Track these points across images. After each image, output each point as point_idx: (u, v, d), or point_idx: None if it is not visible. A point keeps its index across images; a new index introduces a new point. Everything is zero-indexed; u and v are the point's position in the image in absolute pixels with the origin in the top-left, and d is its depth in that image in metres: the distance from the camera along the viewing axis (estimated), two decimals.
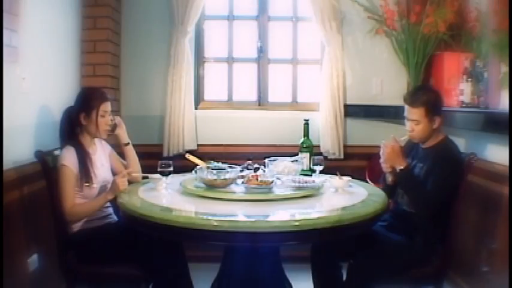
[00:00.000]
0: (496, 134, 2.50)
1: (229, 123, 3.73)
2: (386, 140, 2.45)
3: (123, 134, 2.68)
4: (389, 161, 2.41)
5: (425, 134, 2.41)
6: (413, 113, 2.38)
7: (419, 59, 3.42)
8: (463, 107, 2.97)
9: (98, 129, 2.50)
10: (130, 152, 2.69)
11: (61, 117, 2.54)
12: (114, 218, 2.56)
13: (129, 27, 3.69)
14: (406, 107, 2.43)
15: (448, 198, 2.32)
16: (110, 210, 2.57)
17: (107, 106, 2.53)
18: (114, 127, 2.62)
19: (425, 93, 2.42)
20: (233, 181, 2.32)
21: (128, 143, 2.68)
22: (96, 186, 2.46)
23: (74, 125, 2.51)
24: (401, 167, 2.38)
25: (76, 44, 3.36)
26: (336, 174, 2.56)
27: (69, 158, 2.40)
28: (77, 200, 2.41)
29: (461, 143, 2.80)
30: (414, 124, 2.39)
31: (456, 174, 2.33)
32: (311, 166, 2.73)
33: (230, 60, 3.88)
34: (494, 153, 2.64)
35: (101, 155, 2.61)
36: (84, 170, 2.43)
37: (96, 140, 2.60)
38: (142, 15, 3.68)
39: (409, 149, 2.56)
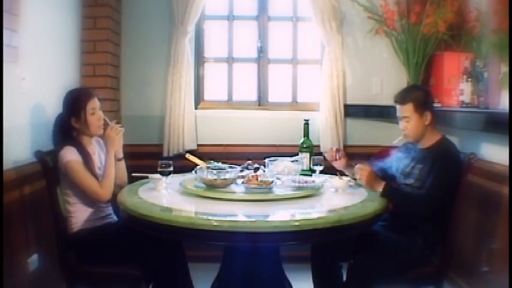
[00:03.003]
0: (496, 134, 2.50)
1: (229, 123, 3.72)
2: (361, 165, 2.46)
3: (119, 148, 2.59)
4: (368, 184, 2.40)
5: (418, 131, 2.42)
6: (403, 110, 2.42)
7: (419, 59, 3.42)
8: (463, 107, 2.97)
9: (90, 128, 2.49)
10: (122, 167, 2.61)
11: (53, 126, 2.53)
12: (114, 218, 2.56)
13: (129, 27, 3.69)
14: (397, 106, 2.46)
15: (446, 197, 2.32)
16: (110, 210, 2.57)
17: (94, 103, 2.50)
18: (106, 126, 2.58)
19: (414, 91, 2.50)
20: (233, 181, 2.32)
21: (122, 158, 2.61)
22: None
23: (68, 130, 2.49)
24: (380, 190, 2.35)
25: (76, 44, 3.36)
26: (336, 174, 2.57)
27: (72, 155, 2.39)
28: (78, 199, 2.42)
29: (460, 143, 2.80)
30: (405, 121, 2.42)
31: (454, 174, 2.33)
32: (311, 166, 2.73)
33: (230, 60, 3.88)
34: (494, 153, 2.64)
35: (100, 155, 2.60)
36: (88, 170, 2.43)
37: (94, 139, 2.60)
38: (143, 15, 3.68)
39: (407, 151, 2.57)
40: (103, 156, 2.61)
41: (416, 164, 2.45)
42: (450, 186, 2.32)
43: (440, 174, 2.31)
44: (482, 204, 2.72)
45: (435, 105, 2.66)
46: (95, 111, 2.50)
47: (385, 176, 2.60)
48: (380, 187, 2.35)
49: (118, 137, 2.53)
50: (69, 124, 2.48)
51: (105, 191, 2.41)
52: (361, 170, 2.42)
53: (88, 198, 2.42)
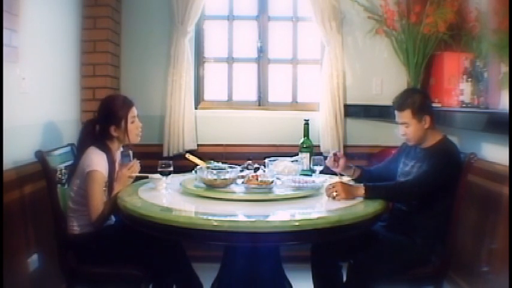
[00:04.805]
0: (496, 134, 2.50)
1: (229, 123, 3.72)
2: (330, 182, 2.35)
3: (119, 187, 2.44)
4: (349, 194, 2.26)
5: (418, 135, 2.42)
6: (401, 117, 2.41)
7: (419, 59, 3.42)
8: (463, 107, 2.97)
9: (130, 136, 2.50)
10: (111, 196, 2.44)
11: (82, 130, 2.53)
12: (113, 219, 2.55)
13: (129, 27, 3.69)
14: (395, 112, 2.45)
15: (436, 190, 2.31)
16: None
17: (133, 111, 2.53)
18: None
19: (410, 96, 2.44)
20: (233, 181, 2.32)
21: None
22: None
23: (100, 137, 2.47)
24: (363, 193, 2.27)
25: (76, 44, 3.36)
26: (336, 174, 2.57)
27: (101, 164, 2.37)
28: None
29: (461, 143, 2.80)
30: (405, 127, 2.42)
31: (449, 171, 2.31)
32: (311, 166, 2.73)
33: (230, 60, 3.88)
34: (494, 153, 2.64)
35: (118, 164, 2.59)
36: (110, 180, 2.41)
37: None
38: (142, 15, 3.68)
39: (407, 150, 2.57)
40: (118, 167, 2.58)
41: (416, 163, 2.46)
42: (440, 181, 2.30)
43: (433, 166, 2.30)
44: (482, 204, 2.72)
45: (435, 105, 2.64)
46: (134, 119, 2.52)
47: (385, 176, 2.60)
48: (361, 191, 2.28)
49: (130, 179, 2.49)
50: (107, 132, 2.47)
51: (102, 217, 2.36)
52: (332, 188, 2.26)
53: (85, 208, 2.38)
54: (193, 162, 2.65)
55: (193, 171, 2.49)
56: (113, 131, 2.48)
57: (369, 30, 3.59)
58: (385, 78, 3.68)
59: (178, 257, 2.46)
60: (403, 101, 2.42)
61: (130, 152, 2.58)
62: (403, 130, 2.44)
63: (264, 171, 2.53)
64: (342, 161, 2.59)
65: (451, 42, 3.29)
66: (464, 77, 2.99)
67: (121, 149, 2.63)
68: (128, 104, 2.53)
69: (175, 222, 1.94)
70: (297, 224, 1.93)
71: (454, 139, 2.50)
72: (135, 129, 2.53)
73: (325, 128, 3.59)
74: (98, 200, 2.35)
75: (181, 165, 2.68)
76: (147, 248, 2.31)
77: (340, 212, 2.07)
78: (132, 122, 2.52)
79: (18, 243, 2.42)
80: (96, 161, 2.37)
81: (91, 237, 2.37)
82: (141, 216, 2.03)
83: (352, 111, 3.67)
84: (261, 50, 3.83)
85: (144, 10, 3.68)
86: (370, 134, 3.68)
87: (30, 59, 2.57)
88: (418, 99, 2.41)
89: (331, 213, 2.07)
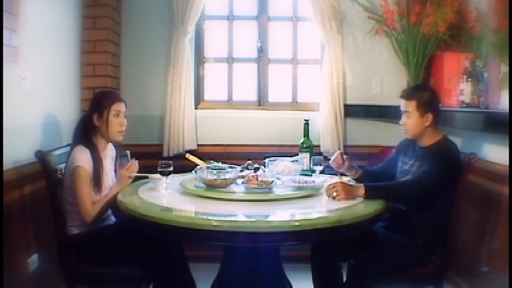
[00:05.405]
0: (496, 134, 2.50)
1: (229, 123, 3.73)
2: (330, 182, 2.36)
3: (119, 187, 2.44)
4: (349, 194, 2.27)
5: (417, 129, 2.42)
6: (406, 105, 2.43)
7: (419, 59, 3.42)
8: (463, 107, 2.97)
9: (110, 130, 2.47)
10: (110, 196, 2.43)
11: (77, 123, 2.54)
12: (113, 219, 2.56)
13: (129, 27, 3.69)
14: (402, 100, 2.47)
15: (435, 191, 2.30)
16: (109, 212, 2.55)
17: (119, 106, 2.51)
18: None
19: (421, 90, 2.50)
20: (233, 181, 2.32)
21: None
22: (102, 194, 2.44)
23: (89, 129, 2.48)
24: (363, 193, 2.28)
25: (76, 44, 3.36)
26: (336, 174, 2.57)
27: (83, 160, 2.37)
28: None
29: (460, 143, 2.80)
30: (406, 116, 2.43)
31: (449, 171, 2.31)
32: (311, 166, 2.73)
33: (230, 60, 3.88)
34: (494, 153, 2.64)
35: (110, 161, 2.59)
36: (95, 176, 2.41)
37: (109, 144, 2.58)
38: (142, 15, 3.68)
39: (405, 148, 2.58)
40: (111, 164, 2.59)
41: (415, 162, 2.46)
42: (440, 181, 2.30)
43: (433, 166, 2.30)
44: (482, 204, 2.72)
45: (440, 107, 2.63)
46: (119, 113, 2.50)
47: (386, 175, 2.60)
48: (361, 191, 2.28)
49: (129, 179, 2.48)
50: (91, 120, 2.47)
51: (93, 214, 2.36)
52: (332, 188, 2.26)
53: (77, 208, 2.38)
54: (193, 162, 2.65)
55: (193, 171, 2.49)
56: (95, 119, 2.47)
57: (369, 30, 3.59)
58: (385, 78, 3.68)
59: (177, 257, 2.46)
60: (413, 92, 2.47)
61: (128, 152, 2.57)
62: (403, 120, 2.45)
63: (264, 171, 2.53)
64: (346, 163, 2.58)
65: (451, 42, 3.29)
66: (464, 77, 2.99)
67: (113, 149, 2.63)
68: (115, 98, 2.53)
69: (175, 222, 1.94)
70: (297, 224, 1.93)
71: (454, 139, 2.50)
72: (118, 125, 2.50)
73: (325, 128, 3.59)
74: (85, 196, 2.34)
75: (181, 165, 2.68)
76: (147, 248, 2.31)
77: (340, 212, 2.07)
78: (116, 115, 2.49)
79: (18, 243, 2.42)
80: (79, 157, 2.37)
81: (91, 237, 2.37)
82: (141, 216, 2.03)
83: (352, 111, 3.67)
84: (261, 50, 3.83)
85: (144, 10, 3.68)
86: (370, 134, 3.68)
87: (30, 59, 2.57)
88: (427, 95, 2.43)
89: (331, 213, 2.07)
